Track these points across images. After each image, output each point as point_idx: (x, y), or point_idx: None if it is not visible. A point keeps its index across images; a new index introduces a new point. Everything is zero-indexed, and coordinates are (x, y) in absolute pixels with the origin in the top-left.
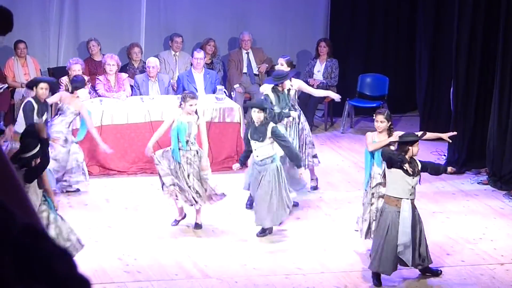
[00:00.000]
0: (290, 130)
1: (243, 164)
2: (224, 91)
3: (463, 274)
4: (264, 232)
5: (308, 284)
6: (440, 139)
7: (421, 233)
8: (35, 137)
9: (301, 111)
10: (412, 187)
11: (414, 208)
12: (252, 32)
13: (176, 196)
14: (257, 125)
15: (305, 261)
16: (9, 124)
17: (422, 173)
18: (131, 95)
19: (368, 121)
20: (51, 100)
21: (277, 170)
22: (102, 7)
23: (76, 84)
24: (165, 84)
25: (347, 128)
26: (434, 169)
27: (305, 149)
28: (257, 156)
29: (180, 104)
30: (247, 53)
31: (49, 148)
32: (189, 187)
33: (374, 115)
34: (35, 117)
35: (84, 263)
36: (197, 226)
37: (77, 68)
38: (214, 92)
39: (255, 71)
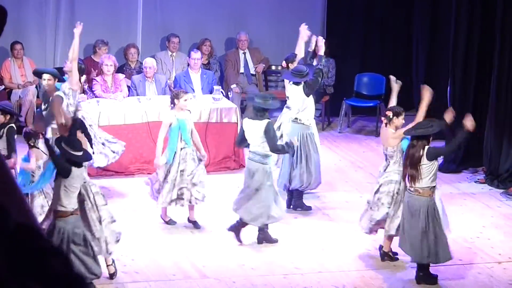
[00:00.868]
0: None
1: None
2: (221, 92)
3: (461, 273)
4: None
5: (306, 283)
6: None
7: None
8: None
9: None
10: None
11: None
12: (249, 32)
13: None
14: None
15: (303, 261)
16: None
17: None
18: (128, 96)
19: (365, 120)
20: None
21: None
22: (99, 8)
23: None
24: (162, 85)
25: (344, 127)
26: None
27: None
28: None
29: (173, 103)
30: (244, 53)
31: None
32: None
33: (400, 112)
34: (43, 107)
35: None
36: (195, 224)
37: None
38: (211, 92)
39: (252, 71)
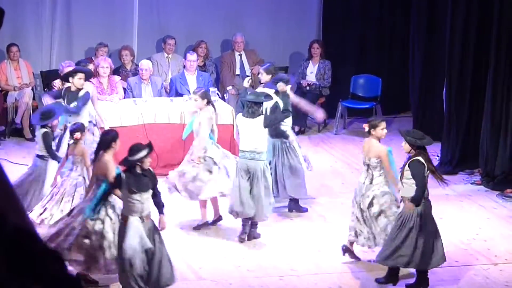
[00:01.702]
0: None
1: None
2: (217, 93)
3: (457, 274)
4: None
5: (303, 285)
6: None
7: None
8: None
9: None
10: None
11: None
12: (245, 34)
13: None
14: None
15: (299, 262)
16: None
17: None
18: (124, 98)
19: (361, 122)
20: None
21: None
22: (95, 10)
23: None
24: (158, 87)
25: (340, 129)
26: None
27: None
28: None
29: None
30: (240, 55)
31: None
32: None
33: (376, 124)
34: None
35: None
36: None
37: None
38: None
39: (248, 73)
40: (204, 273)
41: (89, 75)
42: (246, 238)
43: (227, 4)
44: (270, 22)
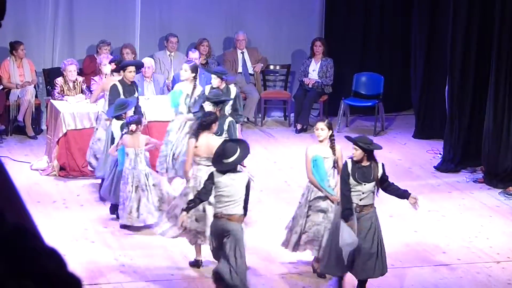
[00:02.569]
0: None
1: None
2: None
3: (459, 272)
4: None
5: (304, 283)
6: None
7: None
8: (234, 141)
9: None
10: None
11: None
12: (247, 31)
13: None
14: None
15: (301, 261)
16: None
17: (417, 173)
18: None
19: (364, 120)
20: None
21: None
22: (97, 8)
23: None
24: (160, 84)
25: (343, 127)
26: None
27: None
28: None
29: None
30: (242, 52)
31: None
32: None
33: (315, 124)
34: (122, 97)
35: (80, 264)
36: None
37: (72, 69)
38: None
39: (250, 71)
40: (206, 271)
41: (138, 67)
42: None
43: (229, 2)
44: (272, 20)
